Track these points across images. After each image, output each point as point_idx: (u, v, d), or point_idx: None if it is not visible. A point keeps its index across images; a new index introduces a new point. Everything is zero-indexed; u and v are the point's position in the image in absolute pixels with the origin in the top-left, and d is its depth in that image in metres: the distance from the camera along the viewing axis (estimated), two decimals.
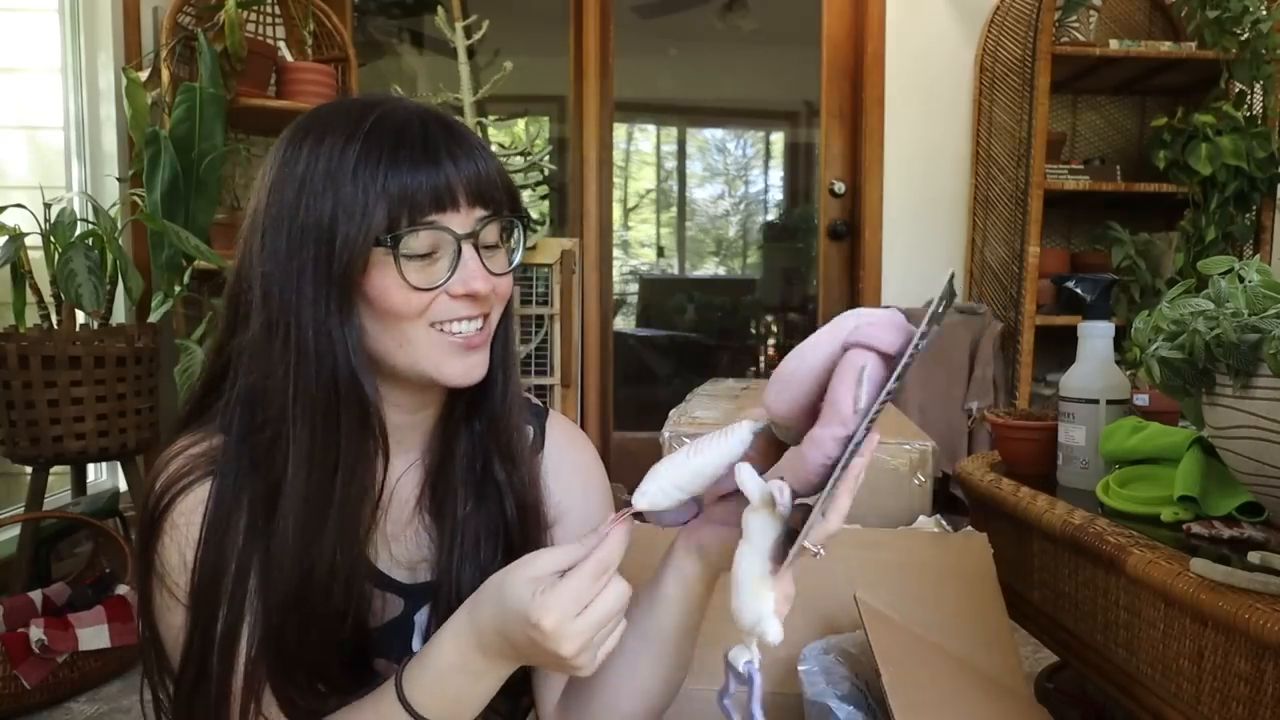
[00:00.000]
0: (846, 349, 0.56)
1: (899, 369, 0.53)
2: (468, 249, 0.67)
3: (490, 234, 0.70)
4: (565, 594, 0.58)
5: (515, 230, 0.73)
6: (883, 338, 0.55)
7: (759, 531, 0.56)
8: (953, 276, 0.56)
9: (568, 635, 0.58)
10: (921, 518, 1.25)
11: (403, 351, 0.68)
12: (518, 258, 0.73)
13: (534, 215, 2.47)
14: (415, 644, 0.76)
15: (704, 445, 0.61)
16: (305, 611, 0.66)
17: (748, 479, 0.56)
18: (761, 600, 0.55)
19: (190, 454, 0.69)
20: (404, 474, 0.76)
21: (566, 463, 0.83)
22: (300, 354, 0.65)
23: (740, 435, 0.60)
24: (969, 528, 1.22)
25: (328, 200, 0.64)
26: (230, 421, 0.69)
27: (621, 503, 0.70)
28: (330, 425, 0.66)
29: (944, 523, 1.22)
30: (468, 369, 0.70)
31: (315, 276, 0.65)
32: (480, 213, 0.68)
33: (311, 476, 0.66)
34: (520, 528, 0.76)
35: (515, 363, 0.78)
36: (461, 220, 0.67)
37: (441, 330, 0.68)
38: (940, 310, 0.53)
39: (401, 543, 0.76)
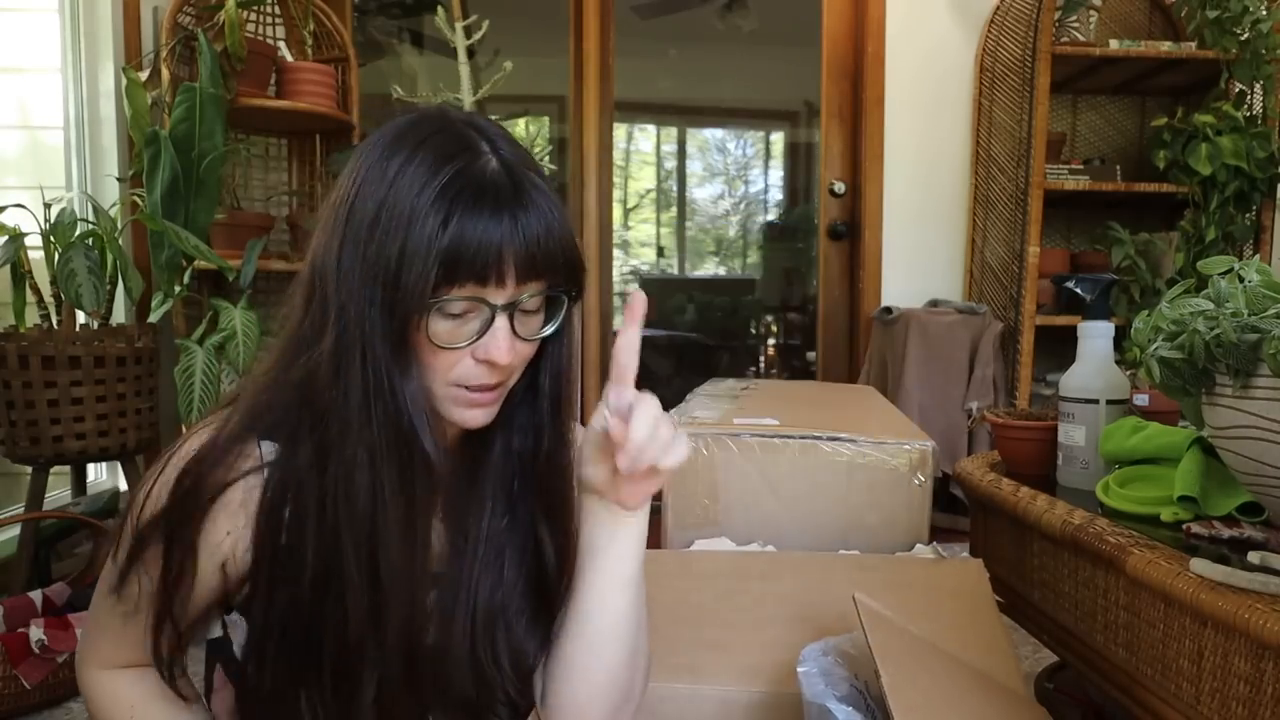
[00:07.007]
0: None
1: None
2: (501, 319, 0.67)
3: (533, 301, 0.70)
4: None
5: (562, 303, 0.72)
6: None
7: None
8: None
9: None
10: (918, 545, 1.26)
11: (426, 396, 0.69)
12: (550, 329, 0.72)
13: None
14: None
15: None
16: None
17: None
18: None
19: (241, 452, 0.70)
20: None
21: None
22: (373, 384, 0.66)
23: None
24: (965, 554, 1.22)
25: (398, 239, 0.64)
26: (303, 431, 0.70)
27: None
28: (391, 461, 0.68)
29: (940, 550, 1.23)
30: (472, 417, 0.71)
31: (383, 314, 0.66)
32: (528, 285, 0.68)
33: (376, 503, 0.67)
34: (553, 549, 0.78)
35: (570, 411, 0.78)
36: (505, 292, 0.67)
37: (457, 386, 0.69)
38: None
39: None
